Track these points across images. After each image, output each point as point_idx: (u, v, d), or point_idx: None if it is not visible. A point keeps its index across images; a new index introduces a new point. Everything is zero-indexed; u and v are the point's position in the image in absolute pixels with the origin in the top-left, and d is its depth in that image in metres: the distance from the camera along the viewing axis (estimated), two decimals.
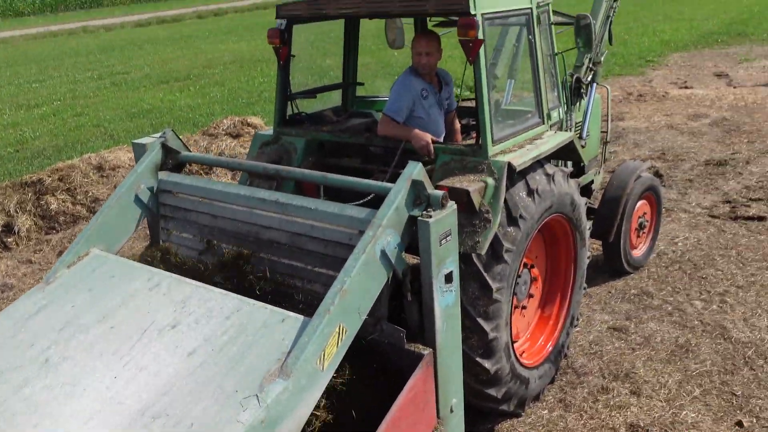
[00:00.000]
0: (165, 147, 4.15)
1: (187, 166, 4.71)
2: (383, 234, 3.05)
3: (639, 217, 6.40)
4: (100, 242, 3.76)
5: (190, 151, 4.29)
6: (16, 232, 7.86)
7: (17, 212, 8.02)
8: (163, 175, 4.13)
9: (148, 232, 4.39)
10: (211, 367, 2.78)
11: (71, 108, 16.12)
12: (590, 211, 6.13)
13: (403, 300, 3.37)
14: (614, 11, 6.37)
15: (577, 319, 5.13)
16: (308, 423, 2.80)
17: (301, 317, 2.89)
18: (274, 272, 3.58)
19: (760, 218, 7.51)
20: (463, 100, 5.89)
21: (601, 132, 6.82)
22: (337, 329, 2.82)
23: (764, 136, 10.51)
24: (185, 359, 2.85)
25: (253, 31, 30.09)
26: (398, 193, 3.15)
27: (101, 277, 3.49)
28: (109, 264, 3.59)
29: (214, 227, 3.91)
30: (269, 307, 3.04)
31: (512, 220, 3.97)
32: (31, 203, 8.20)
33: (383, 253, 3.05)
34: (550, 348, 4.74)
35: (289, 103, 5.01)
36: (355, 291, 2.92)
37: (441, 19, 5.55)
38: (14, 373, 2.98)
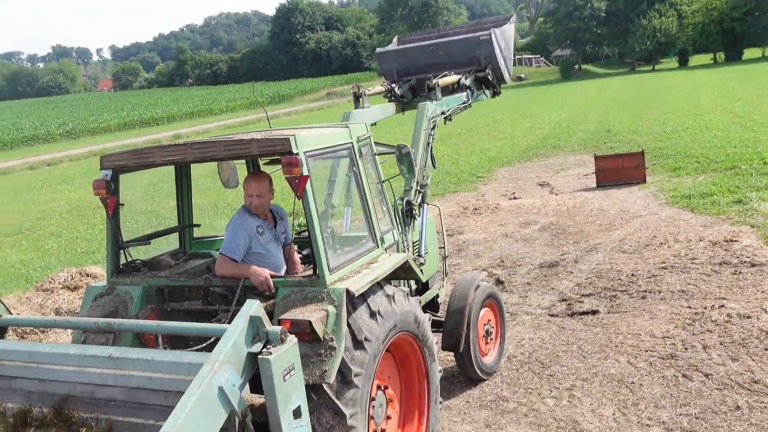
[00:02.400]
0: None
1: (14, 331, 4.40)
2: (220, 370, 2.99)
3: (485, 324, 6.69)
4: None
5: (11, 314, 4.02)
6: None
7: None
8: None
9: None
10: None
11: None
12: (438, 324, 6.35)
13: None
14: (433, 138, 6.92)
15: None
16: None
17: None
18: None
19: (593, 312, 8.11)
20: (302, 231, 6.04)
21: (439, 248, 7.19)
22: None
23: (587, 236, 11.54)
24: None
25: (90, 177, 29.24)
26: (236, 329, 3.14)
27: None
28: None
29: (43, 392, 3.63)
30: None
31: (358, 343, 4.03)
32: None
33: (221, 390, 2.97)
34: None
35: (123, 252, 4.89)
36: (191, 429, 2.79)
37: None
38: None
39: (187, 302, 4.73)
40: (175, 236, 5.63)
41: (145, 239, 5.12)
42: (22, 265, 14.16)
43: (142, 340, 4.47)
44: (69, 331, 8.46)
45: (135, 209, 4.87)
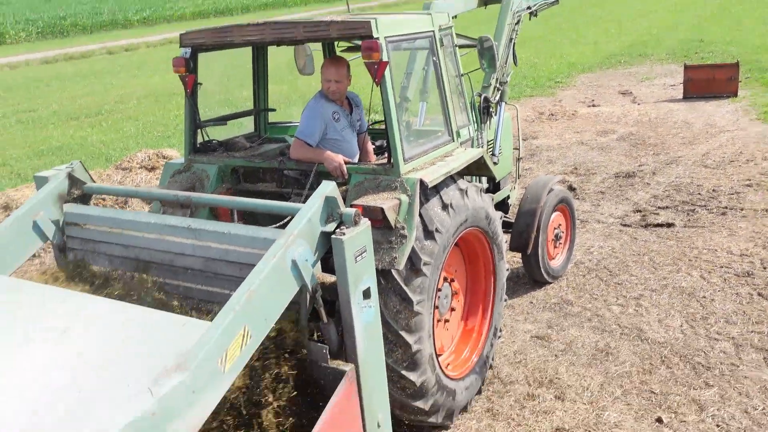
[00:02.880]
0: (71, 177, 4.01)
1: (100, 200, 4.57)
2: (294, 244, 3.02)
3: (554, 229, 6.60)
4: None
5: (95, 182, 4.16)
6: None
7: None
8: (69, 207, 3.98)
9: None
10: (103, 365, 2.63)
11: None
12: (508, 225, 6.29)
13: (320, 323, 3.34)
14: (516, 33, 6.61)
15: (500, 330, 5.21)
16: None
17: (203, 322, 2.81)
18: (190, 298, 3.49)
19: (669, 225, 7.87)
20: (375, 122, 5.97)
21: (514, 149, 7.02)
22: (242, 331, 2.73)
23: (668, 149, 11.06)
24: (75, 359, 2.69)
25: (166, 64, 29.59)
26: (311, 207, 3.15)
27: None
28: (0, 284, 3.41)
29: (125, 257, 3.79)
30: (169, 313, 2.95)
31: (428, 234, 4.03)
32: None
33: (294, 264, 3.01)
34: (475, 359, 4.79)
35: (200, 131, 4.95)
36: (263, 296, 2.86)
37: (349, 44, 5.64)
38: None
39: (261, 184, 4.80)
40: (250, 120, 5.66)
41: (222, 120, 5.16)
42: (103, 145, 14.67)
43: (217, 218, 4.58)
44: (146, 207, 8.81)
45: (212, 92, 4.87)
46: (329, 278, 3.38)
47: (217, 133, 5.14)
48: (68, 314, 3.05)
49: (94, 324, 2.94)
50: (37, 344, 2.86)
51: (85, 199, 4.12)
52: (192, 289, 3.55)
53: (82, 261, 3.94)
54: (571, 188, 9.33)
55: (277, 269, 2.94)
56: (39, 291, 3.33)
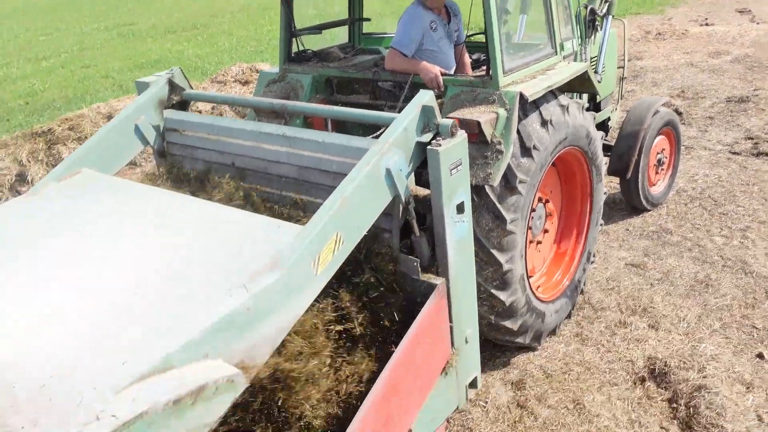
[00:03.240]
0: (171, 84, 4.06)
1: (195, 111, 4.63)
2: (389, 152, 2.95)
3: (657, 153, 6.25)
4: (92, 165, 3.66)
5: (192, 89, 4.20)
6: (30, 180, 7.85)
7: (29, 162, 8.00)
8: (169, 113, 4.05)
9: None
10: (199, 262, 2.68)
11: (79, 60, 15.99)
12: (607, 149, 6.00)
13: (411, 236, 3.30)
14: None
15: (594, 256, 5.05)
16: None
17: (297, 225, 2.81)
18: (283, 206, 3.51)
19: None
20: (473, 34, 5.71)
21: (618, 68, 6.62)
22: (335, 236, 2.72)
23: None
24: (170, 255, 2.75)
25: None
26: (407, 116, 3.05)
27: (90, 191, 3.39)
28: (100, 181, 3.50)
29: (221, 164, 3.84)
30: (264, 216, 2.98)
31: (525, 150, 3.86)
32: (43, 152, 8.17)
33: (388, 172, 2.95)
34: (567, 283, 4.68)
35: (294, 40, 4.88)
36: (356, 203, 2.82)
37: None
38: None
39: (355, 95, 4.72)
40: (344, 31, 5.53)
41: (317, 29, 5.07)
42: (198, 59, 14.92)
43: (310, 128, 4.56)
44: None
45: (307, 2, 4.77)
46: (422, 191, 3.31)
47: (312, 43, 5.06)
48: (166, 212, 3.12)
49: (191, 222, 2.99)
50: (135, 238, 2.94)
51: (183, 105, 4.17)
52: (285, 197, 3.57)
53: (180, 166, 4.02)
54: (678, 112, 8.79)
55: (371, 177, 2.89)
56: (139, 189, 3.43)
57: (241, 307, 2.36)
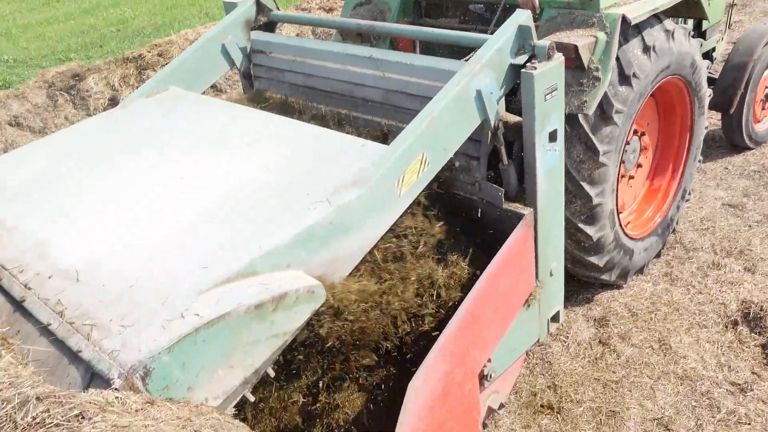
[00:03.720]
0: (258, 4, 4.02)
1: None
2: (481, 73, 2.83)
3: (766, 88, 5.81)
4: (179, 83, 3.71)
5: (279, 10, 4.14)
6: None
7: (121, 86, 8.24)
8: (255, 34, 4.02)
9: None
10: (283, 176, 2.70)
11: None
12: (710, 82, 5.61)
13: (500, 164, 3.19)
14: None
15: (689, 194, 4.80)
16: None
17: (382, 145, 2.77)
18: (367, 130, 3.46)
19: None
20: None
21: None
22: (420, 157, 2.66)
23: None
24: (256, 169, 2.78)
25: None
26: (502, 36, 2.91)
27: (178, 107, 3.46)
28: (188, 98, 3.56)
29: (307, 86, 3.81)
30: (350, 135, 2.96)
31: (624, 78, 3.64)
32: (134, 77, 8.39)
33: (478, 94, 2.83)
34: (658, 221, 4.47)
35: None
36: (444, 124, 2.74)
37: None
38: (74, 178, 2.97)
39: (444, 19, 4.56)
40: None
41: None
42: None
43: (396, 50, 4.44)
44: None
45: None
46: (512, 118, 3.18)
47: None
48: (252, 128, 3.13)
49: (277, 139, 3.00)
50: (221, 152, 2.98)
51: (270, 27, 4.13)
52: (370, 121, 3.51)
53: (266, 88, 4.02)
54: None
55: (460, 98, 2.78)
56: (225, 106, 3.46)
57: (323, 220, 2.37)
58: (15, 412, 1.46)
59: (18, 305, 2.22)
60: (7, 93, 8.10)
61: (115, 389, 1.76)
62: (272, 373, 2.40)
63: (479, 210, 3.20)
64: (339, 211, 2.42)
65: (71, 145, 3.23)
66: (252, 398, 2.36)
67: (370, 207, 2.52)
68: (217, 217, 2.51)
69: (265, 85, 4.03)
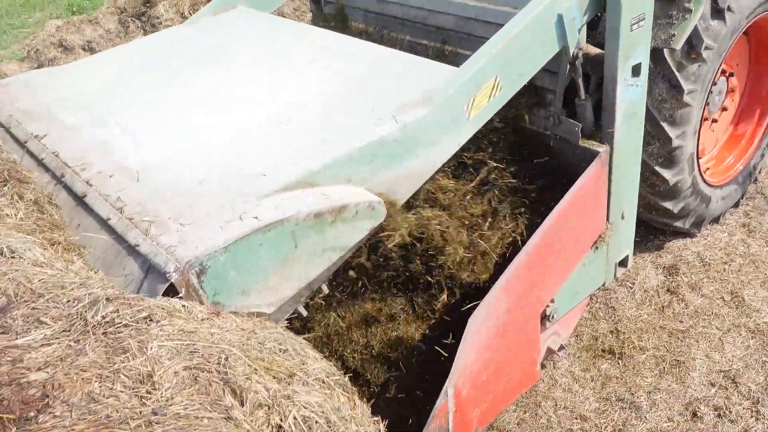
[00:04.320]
0: None
1: None
2: None
3: None
4: (246, 2, 3.66)
5: None
6: None
7: (191, 13, 8.26)
8: None
9: None
10: (349, 93, 2.64)
11: None
12: None
13: (576, 99, 3.05)
14: None
15: None
16: None
17: (454, 67, 2.66)
18: (439, 60, 3.35)
19: None
20: None
21: None
22: (493, 80, 2.55)
23: None
24: (321, 85, 2.74)
25: None
26: None
27: (244, 25, 3.42)
28: (255, 16, 3.52)
29: (379, 13, 3.70)
30: (419, 57, 2.87)
31: (717, 12, 3.39)
32: (202, 4, 8.40)
33: (559, 19, 2.67)
34: (740, 169, 4.24)
35: None
36: (520, 47, 2.60)
37: None
38: (140, 87, 3.00)
39: None
40: None
41: None
42: None
43: None
44: None
45: None
46: (593, 49, 3.02)
47: None
48: (320, 47, 3.06)
49: (344, 58, 2.93)
50: (289, 69, 2.93)
51: None
52: (442, 50, 3.40)
53: (337, 15, 3.93)
54: None
55: (539, 20, 2.63)
56: (294, 26, 3.41)
57: (388, 137, 2.31)
58: (86, 311, 1.48)
59: (79, 200, 2.26)
60: (81, 18, 8.23)
61: (180, 297, 1.77)
62: (326, 290, 2.39)
63: (553, 146, 3.09)
64: (405, 129, 2.35)
65: (139, 57, 3.26)
66: (305, 312, 2.36)
67: (437, 128, 2.43)
68: (280, 128, 2.49)
69: (336, 11, 3.93)
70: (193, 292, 1.83)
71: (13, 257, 1.72)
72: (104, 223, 2.11)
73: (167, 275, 1.81)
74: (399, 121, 2.34)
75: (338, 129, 2.41)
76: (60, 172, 2.41)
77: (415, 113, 2.38)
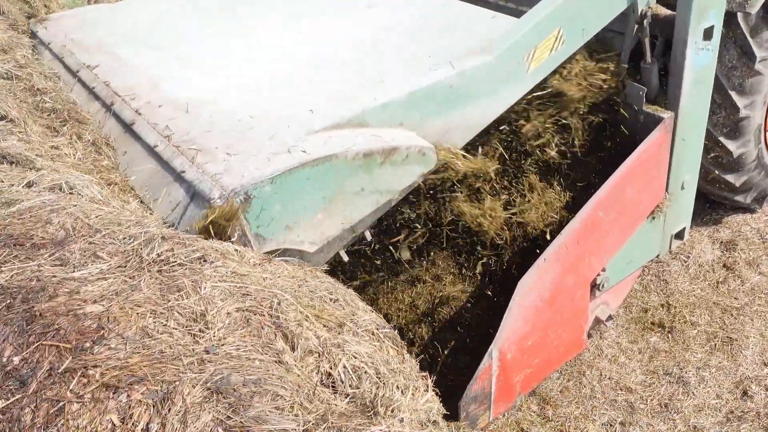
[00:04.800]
0: None
1: None
2: None
3: None
4: None
5: None
6: None
7: None
8: None
9: None
10: (406, 39, 2.59)
11: None
12: None
13: (641, 61, 2.92)
14: None
15: None
16: None
17: (514, 18, 2.58)
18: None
19: None
20: None
21: None
22: (556, 32, 2.46)
23: None
24: (379, 30, 2.69)
25: None
26: None
27: None
28: None
29: None
30: (478, 7, 2.80)
31: None
32: None
33: None
34: None
35: None
36: (586, 2, 2.51)
37: None
38: (193, 25, 3.01)
39: None
40: None
41: None
42: None
43: None
44: None
45: None
46: (662, 10, 2.88)
47: None
48: None
49: (402, 5, 2.86)
50: (346, 15, 2.89)
51: None
52: (503, 7, 3.29)
53: None
54: None
55: None
56: None
57: (443, 82, 2.26)
58: (141, 248, 1.49)
59: (127, 128, 2.27)
60: None
61: (231, 241, 1.76)
62: (369, 237, 2.36)
63: (616, 109, 2.98)
64: (461, 76, 2.29)
65: None
66: (346, 258, 2.33)
67: (495, 77, 2.36)
68: (334, 68, 2.46)
69: None
70: (236, 222, 1.81)
71: (71, 193, 1.73)
72: (151, 150, 2.11)
73: (211, 201, 1.79)
74: (456, 67, 2.28)
75: (393, 71, 2.36)
76: (110, 101, 2.43)
77: (473, 61, 2.31)
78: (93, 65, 2.67)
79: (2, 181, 1.75)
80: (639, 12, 2.68)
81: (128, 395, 1.10)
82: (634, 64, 2.97)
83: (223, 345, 1.26)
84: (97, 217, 1.60)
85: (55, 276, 1.36)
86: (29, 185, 1.74)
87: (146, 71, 2.60)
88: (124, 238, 1.52)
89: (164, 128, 2.16)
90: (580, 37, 2.57)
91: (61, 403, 1.08)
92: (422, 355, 2.60)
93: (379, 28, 2.69)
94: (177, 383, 1.13)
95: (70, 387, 1.11)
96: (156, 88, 2.45)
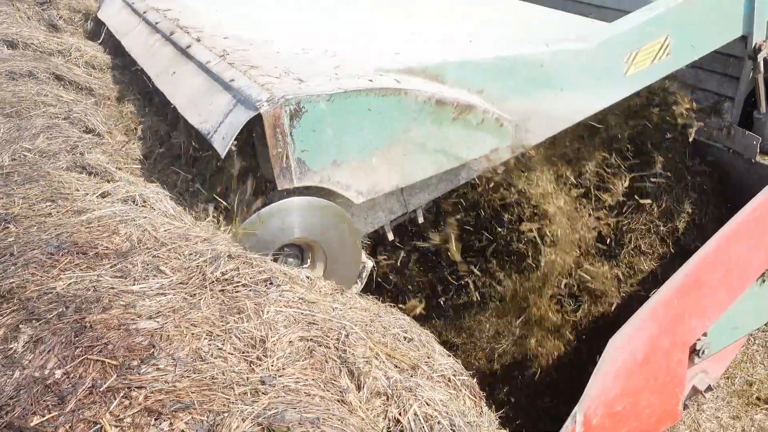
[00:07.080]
0: None
1: None
2: None
3: None
4: None
5: None
6: None
7: None
8: None
9: None
10: (508, 26, 2.51)
11: None
12: None
13: (755, 111, 2.70)
14: None
15: None
16: None
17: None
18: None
19: None
20: None
21: None
22: (662, 39, 2.26)
23: None
24: (475, 22, 2.62)
25: None
26: None
27: None
28: None
29: None
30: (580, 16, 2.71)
31: None
32: None
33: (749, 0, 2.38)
34: None
35: None
36: (698, 12, 2.32)
37: None
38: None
39: None
40: None
41: None
42: None
43: None
44: None
45: None
46: None
47: None
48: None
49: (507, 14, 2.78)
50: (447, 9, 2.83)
51: None
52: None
53: None
54: None
55: None
56: None
57: (535, 57, 2.10)
58: (206, 265, 1.39)
59: (182, 51, 2.16)
60: None
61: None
62: (421, 219, 2.18)
63: (725, 161, 2.75)
64: (554, 56, 2.12)
65: None
66: (391, 236, 2.14)
67: (589, 69, 2.19)
68: (420, 34, 2.36)
69: None
70: (280, 136, 1.61)
71: (144, 206, 1.67)
72: (203, 67, 1.97)
73: (257, 104, 1.60)
74: (550, 46, 2.13)
75: (483, 36, 2.26)
76: (170, 31, 2.34)
77: (567, 45, 2.16)
78: (163, 9, 2.65)
79: (78, 190, 1.71)
80: (753, 45, 2.46)
81: (171, 423, 0.98)
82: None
83: (281, 376, 1.13)
84: (165, 230, 1.52)
85: (113, 287, 1.28)
86: (103, 195, 1.69)
87: (215, 17, 2.54)
88: (190, 254, 1.43)
89: (222, 50, 2.02)
90: (688, 53, 2.36)
91: (98, 426, 0.98)
92: (502, 410, 2.41)
93: (478, 20, 2.62)
94: (225, 414, 1.00)
95: (110, 408, 1.00)
96: (222, 29, 2.35)
